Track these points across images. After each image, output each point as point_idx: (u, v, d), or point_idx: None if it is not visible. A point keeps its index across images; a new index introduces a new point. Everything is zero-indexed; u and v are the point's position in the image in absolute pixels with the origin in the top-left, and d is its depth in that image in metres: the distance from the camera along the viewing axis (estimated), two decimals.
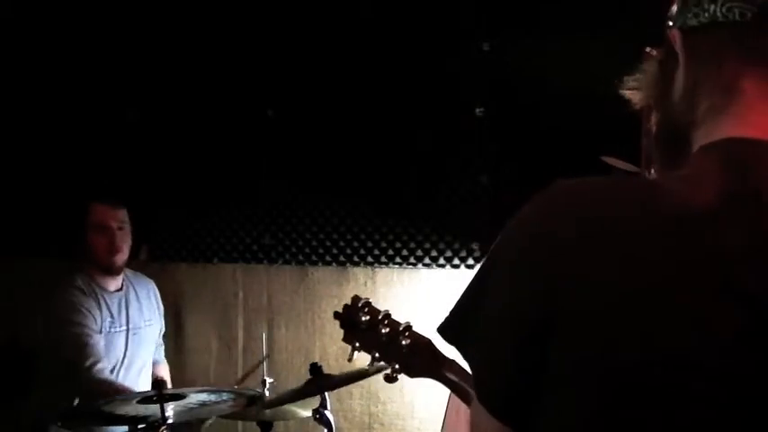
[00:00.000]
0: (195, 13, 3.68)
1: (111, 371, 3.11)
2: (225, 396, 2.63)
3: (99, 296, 3.13)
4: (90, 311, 3.05)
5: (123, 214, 3.19)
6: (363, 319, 1.74)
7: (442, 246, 3.37)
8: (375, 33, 3.43)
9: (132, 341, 3.20)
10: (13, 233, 3.94)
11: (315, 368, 2.48)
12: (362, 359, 1.79)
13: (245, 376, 3.49)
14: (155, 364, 3.38)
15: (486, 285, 0.87)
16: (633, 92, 0.95)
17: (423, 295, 3.40)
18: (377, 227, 3.48)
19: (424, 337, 1.74)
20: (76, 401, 2.93)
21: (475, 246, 3.30)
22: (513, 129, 3.21)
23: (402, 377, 1.73)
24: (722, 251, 0.76)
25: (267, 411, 2.68)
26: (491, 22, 3.25)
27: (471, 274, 3.04)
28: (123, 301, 3.21)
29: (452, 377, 1.66)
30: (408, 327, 1.73)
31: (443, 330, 0.94)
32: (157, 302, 3.40)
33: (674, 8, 0.90)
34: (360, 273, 3.54)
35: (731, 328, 0.74)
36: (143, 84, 3.79)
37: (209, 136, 3.72)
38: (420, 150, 3.38)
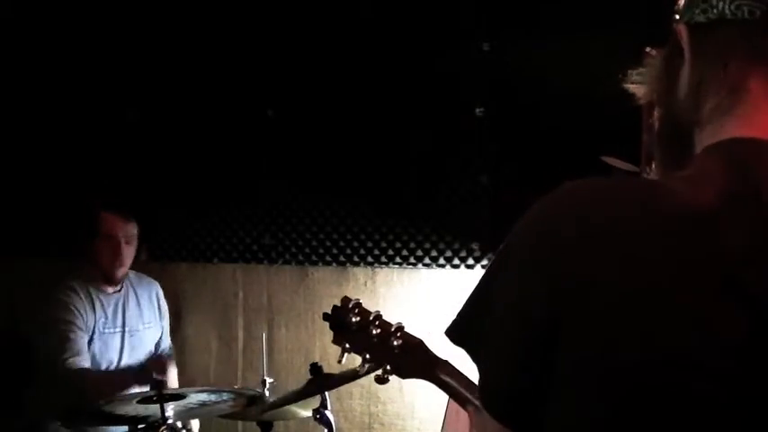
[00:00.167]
0: (195, 13, 3.68)
1: (106, 369, 3.12)
2: (225, 396, 2.63)
3: (94, 297, 3.14)
4: (80, 311, 3.07)
5: (133, 227, 3.19)
6: (354, 320, 1.73)
7: (442, 246, 3.36)
8: (375, 33, 3.43)
9: (129, 343, 3.21)
10: (13, 233, 3.94)
11: (315, 368, 2.48)
12: (357, 360, 1.78)
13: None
14: None
15: (492, 287, 0.87)
16: (637, 86, 0.94)
17: (423, 295, 3.40)
18: (377, 227, 3.48)
19: (415, 337, 1.73)
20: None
21: (475, 246, 3.30)
22: (513, 129, 3.20)
23: (398, 378, 1.72)
24: (723, 251, 0.76)
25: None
26: (491, 22, 3.25)
27: (471, 274, 3.05)
28: (120, 302, 3.21)
29: (445, 378, 1.65)
30: (400, 327, 1.72)
31: (451, 333, 0.93)
32: (160, 304, 3.39)
33: (682, 2, 0.88)
34: (360, 273, 3.54)
35: (732, 329, 0.74)
36: (143, 84, 3.78)
37: (209, 136, 3.72)
38: (420, 150, 3.38)
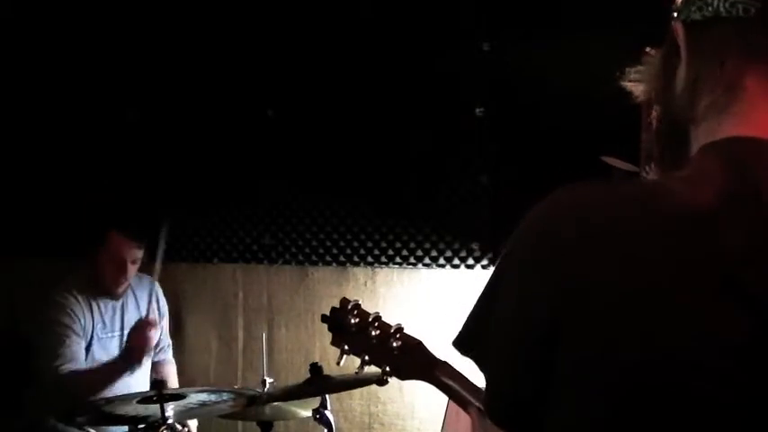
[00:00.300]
0: (195, 13, 3.68)
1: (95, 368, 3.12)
2: (225, 396, 2.63)
3: (92, 302, 3.13)
4: (77, 315, 3.06)
5: (141, 251, 3.16)
6: (353, 321, 1.72)
7: (442, 246, 3.36)
8: (375, 33, 3.42)
9: None
10: (13, 233, 3.94)
11: (315, 368, 2.48)
12: (354, 362, 1.77)
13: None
14: (162, 363, 3.39)
15: (495, 292, 0.87)
16: (635, 84, 0.94)
17: (423, 295, 3.40)
18: (377, 227, 3.48)
19: (414, 338, 1.72)
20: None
21: (475, 246, 3.29)
22: (513, 129, 3.20)
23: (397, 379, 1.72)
24: (722, 251, 0.76)
25: (267, 411, 2.68)
26: (491, 22, 3.25)
27: (471, 274, 3.04)
28: (119, 305, 3.21)
29: (445, 379, 1.64)
30: (399, 329, 1.71)
31: (458, 344, 0.93)
32: (159, 304, 3.39)
33: (679, 0, 0.88)
34: (360, 273, 3.54)
35: (731, 329, 0.74)
36: (143, 84, 3.78)
37: (209, 136, 3.72)
38: (420, 150, 3.38)
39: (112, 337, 3.17)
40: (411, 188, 3.41)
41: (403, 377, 1.72)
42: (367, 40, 3.43)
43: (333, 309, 1.77)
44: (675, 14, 0.89)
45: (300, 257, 3.62)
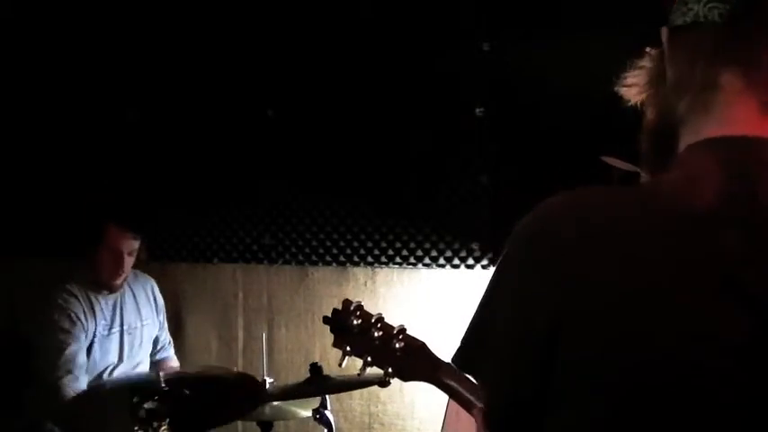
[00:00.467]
0: (195, 13, 3.68)
1: (104, 371, 3.12)
2: None
3: (93, 301, 3.14)
4: (79, 318, 3.06)
5: (137, 243, 3.18)
6: (355, 322, 1.71)
7: (442, 246, 3.36)
8: (375, 33, 3.43)
9: (128, 341, 3.22)
10: (13, 233, 3.94)
11: (315, 368, 2.48)
12: (356, 363, 1.76)
13: None
14: (165, 361, 3.39)
15: (493, 299, 0.87)
16: (629, 88, 0.96)
17: (423, 295, 3.40)
18: (377, 227, 3.48)
19: (417, 340, 1.72)
20: None
21: (475, 246, 3.30)
22: (513, 129, 3.20)
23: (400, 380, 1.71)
24: (722, 251, 0.76)
25: (267, 411, 2.68)
26: (491, 22, 3.25)
27: (471, 274, 3.04)
28: (118, 302, 3.22)
29: (448, 381, 1.64)
30: (402, 330, 1.70)
31: (456, 361, 0.93)
32: (156, 300, 3.40)
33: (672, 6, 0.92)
34: (360, 273, 3.54)
35: (731, 329, 0.74)
36: (143, 84, 3.78)
37: (209, 136, 3.72)
38: (420, 150, 3.38)
39: (113, 333, 3.18)
40: (411, 188, 3.41)
41: (406, 378, 1.71)
42: (367, 40, 3.43)
43: (334, 310, 1.77)
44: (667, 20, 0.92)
45: (300, 257, 3.63)
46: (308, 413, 2.59)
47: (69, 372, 2.95)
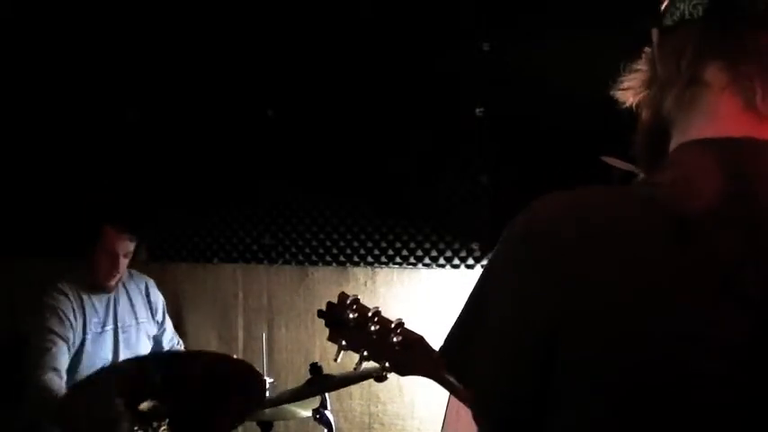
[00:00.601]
0: (195, 13, 3.68)
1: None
2: None
3: (85, 299, 3.15)
4: (68, 317, 3.07)
5: (133, 245, 3.21)
6: (351, 316, 1.69)
7: (442, 246, 3.36)
8: (375, 33, 3.43)
9: (122, 340, 3.23)
10: (13, 233, 3.94)
11: (315, 368, 2.48)
12: (354, 359, 1.75)
13: None
14: None
15: (486, 299, 0.87)
16: (625, 91, 0.96)
17: (423, 295, 3.40)
18: (377, 227, 3.48)
19: (416, 334, 1.69)
20: None
21: (475, 246, 3.30)
22: (513, 129, 3.20)
23: (398, 377, 1.69)
24: (722, 252, 0.76)
25: (267, 411, 2.68)
26: (491, 22, 3.25)
27: (471, 274, 3.03)
28: (111, 300, 3.23)
29: (447, 376, 1.62)
30: (400, 324, 1.68)
31: (443, 353, 0.92)
32: (151, 299, 3.40)
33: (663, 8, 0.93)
34: (360, 273, 3.54)
35: (731, 329, 0.74)
36: (143, 84, 3.78)
37: (209, 136, 3.72)
38: (420, 150, 3.38)
39: (106, 331, 3.19)
40: (411, 188, 3.41)
41: (403, 373, 1.69)
42: (367, 40, 3.43)
43: (329, 304, 1.74)
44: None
45: (300, 257, 3.62)
46: (308, 413, 2.59)
47: (54, 369, 2.96)
